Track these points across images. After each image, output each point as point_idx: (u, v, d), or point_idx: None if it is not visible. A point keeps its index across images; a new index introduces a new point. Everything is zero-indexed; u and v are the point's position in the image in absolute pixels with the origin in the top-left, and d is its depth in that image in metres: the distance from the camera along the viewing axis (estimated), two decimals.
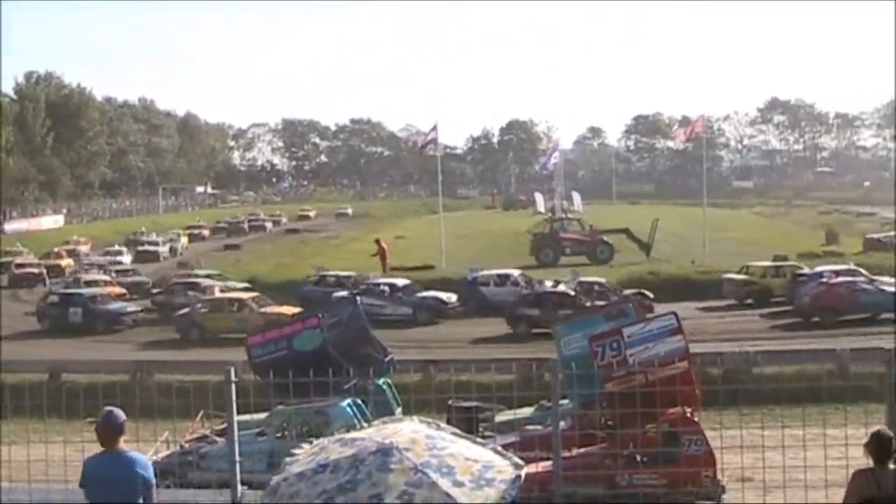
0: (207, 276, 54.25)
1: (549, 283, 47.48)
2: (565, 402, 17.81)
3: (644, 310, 30.31)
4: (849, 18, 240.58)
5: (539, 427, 18.45)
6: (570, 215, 78.40)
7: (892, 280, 44.32)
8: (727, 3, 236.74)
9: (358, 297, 31.14)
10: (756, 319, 45.44)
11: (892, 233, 71.32)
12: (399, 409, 21.31)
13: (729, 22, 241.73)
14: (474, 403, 20.70)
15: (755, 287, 49.09)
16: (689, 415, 17.24)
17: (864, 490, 9.17)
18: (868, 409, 11.99)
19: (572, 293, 44.99)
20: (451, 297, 48.06)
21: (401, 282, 49.60)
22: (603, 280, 49.14)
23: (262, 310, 44.75)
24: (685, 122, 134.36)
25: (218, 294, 48.49)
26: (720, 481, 16.99)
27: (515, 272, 51.51)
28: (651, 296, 45.54)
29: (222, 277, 54.42)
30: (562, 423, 15.61)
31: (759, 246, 67.49)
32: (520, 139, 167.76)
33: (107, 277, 57.18)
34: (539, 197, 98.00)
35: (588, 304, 42.42)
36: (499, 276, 50.68)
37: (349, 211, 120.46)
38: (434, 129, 65.16)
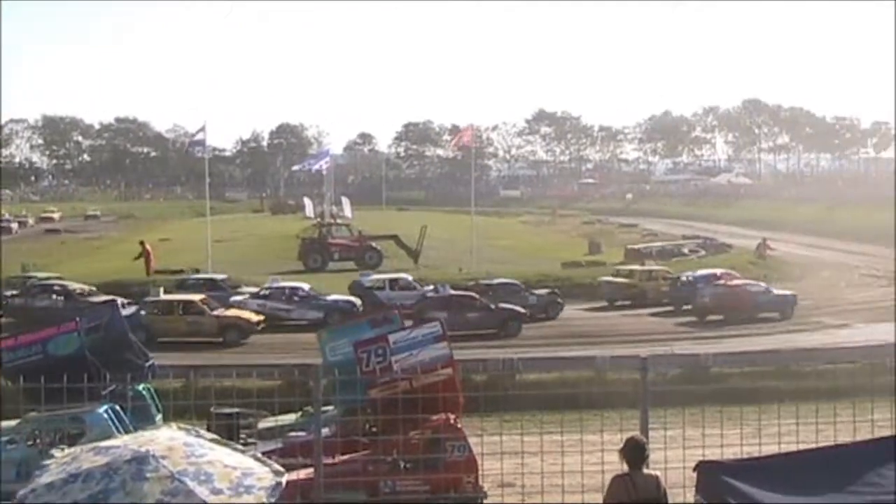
0: (48, 279, 50.72)
1: (429, 287, 48.61)
2: (329, 408, 17.69)
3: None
4: (612, 33, 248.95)
5: (302, 433, 18.26)
6: (339, 220, 78.27)
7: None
8: (495, 13, 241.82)
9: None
10: (653, 320, 48.23)
11: (651, 244, 74.13)
12: (160, 416, 20.72)
13: (499, 32, 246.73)
14: (236, 410, 20.33)
15: (635, 290, 52.20)
16: (452, 421, 17.33)
17: (620, 495, 9.35)
18: (624, 414, 12.24)
19: (476, 295, 45.65)
20: (358, 301, 47.32)
21: (304, 285, 48.80)
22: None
23: (216, 313, 43.15)
24: (455, 130, 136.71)
25: (164, 296, 45.66)
26: (482, 487, 17.14)
27: (407, 276, 51.95)
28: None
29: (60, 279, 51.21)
30: (325, 430, 15.51)
31: (526, 254, 68.98)
32: (290, 143, 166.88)
33: None
34: (308, 201, 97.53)
35: (493, 307, 44.28)
36: (391, 280, 50.92)
37: (98, 213, 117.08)
38: (202, 129, 63.92)
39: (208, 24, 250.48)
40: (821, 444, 9.55)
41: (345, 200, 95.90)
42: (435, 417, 16.97)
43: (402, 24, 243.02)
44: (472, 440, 17.02)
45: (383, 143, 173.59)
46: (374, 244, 66.59)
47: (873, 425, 11.31)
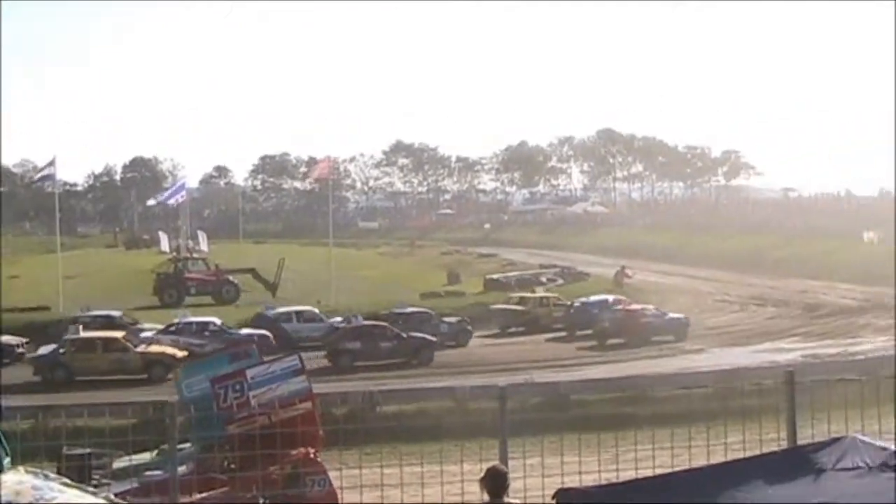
0: None
1: (337, 319, 50.29)
2: (186, 445, 17.31)
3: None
4: (467, 64, 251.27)
5: (158, 472, 17.83)
6: (194, 255, 77.31)
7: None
8: (349, 44, 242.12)
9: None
10: (556, 346, 50.68)
11: (510, 273, 74.84)
12: (8, 459, 20.00)
13: (354, 64, 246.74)
14: (87, 450, 19.75)
15: (529, 316, 54.62)
16: (311, 455, 17.13)
17: None
18: (484, 444, 12.23)
19: (387, 325, 46.93)
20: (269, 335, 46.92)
21: (215, 319, 48.91)
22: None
23: (140, 349, 42.61)
24: (312, 162, 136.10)
25: (84, 333, 44.65)
26: None
27: (312, 308, 53.07)
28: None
29: None
30: (182, 468, 15.15)
31: (385, 285, 68.91)
32: (144, 177, 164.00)
33: None
34: (163, 236, 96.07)
35: (405, 335, 45.61)
36: (297, 312, 51.40)
37: None
38: (51, 163, 62.57)
39: (54, 60, 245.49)
40: (676, 468, 9.63)
41: (201, 234, 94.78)
42: (294, 452, 16.76)
43: (255, 56, 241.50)
44: (331, 474, 16.85)
45: (240, 175, 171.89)
46: (231, 278, 65.91)
47: (727, 448, 11.48)
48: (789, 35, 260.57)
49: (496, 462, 10.25)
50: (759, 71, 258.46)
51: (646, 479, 9.06)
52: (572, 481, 10.08)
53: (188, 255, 76.94)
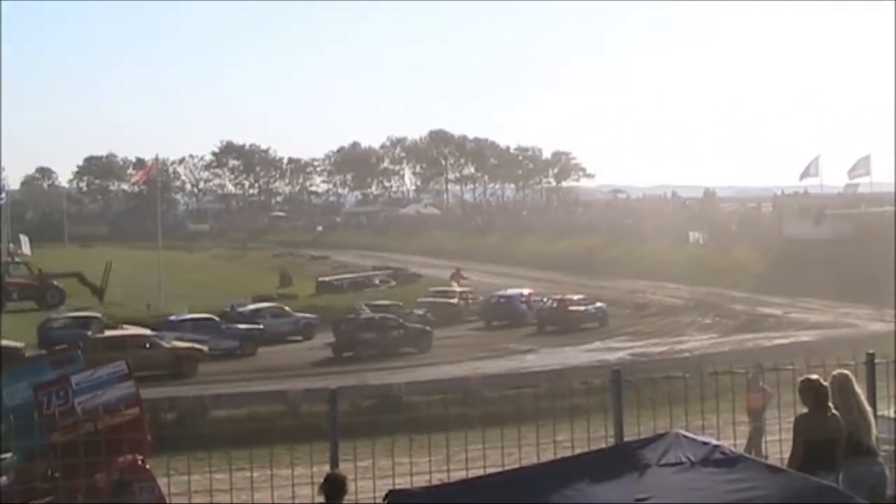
0: None
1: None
2: (7, 455, 16.77)
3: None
4: (297, 63, 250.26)
5: None
6: (17, 259, 75.02)
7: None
8: (179, 45, 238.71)
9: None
10: (502, 333, 54.90)
11: (343, 275, 74.74)
12: None
13: (184, 63, 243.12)
14: None
15: (454, 309, 59.23)
16: (139, 462, 16.74)
17: None
18: (315, 447, 12.14)
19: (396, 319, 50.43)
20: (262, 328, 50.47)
21: (204, 315, 50.55)
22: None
23: (169, 345, 43.80)
24: (140, 164, 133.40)
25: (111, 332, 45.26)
26: None
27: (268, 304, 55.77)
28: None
29: None
30: (3, 479, 14.67)
31: (217, 288, 68.01)
32: None
33: None
34: None
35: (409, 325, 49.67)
36: (266, 308, 54.50)
37: None
38: None
39: None
40: (507, 468, 9.71)
41: (23, 238, 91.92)
42: (121, 459, 16.36)
43: (80, 52, 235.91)
44: (160, 481, 16.50)
45: (64, 177, 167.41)
46: (55, 282, 64.17)
47: (556, 446, 11.63)
48: (617, 36, 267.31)
49: (334, 468, 10.25)
50: (588, 71, 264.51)
51: (476, 478, 9.12)
52: (403, 483, 10.08)
53: (10, 259, 74.57)
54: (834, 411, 10.65)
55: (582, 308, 56.39)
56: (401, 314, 53.05)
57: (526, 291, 60.76)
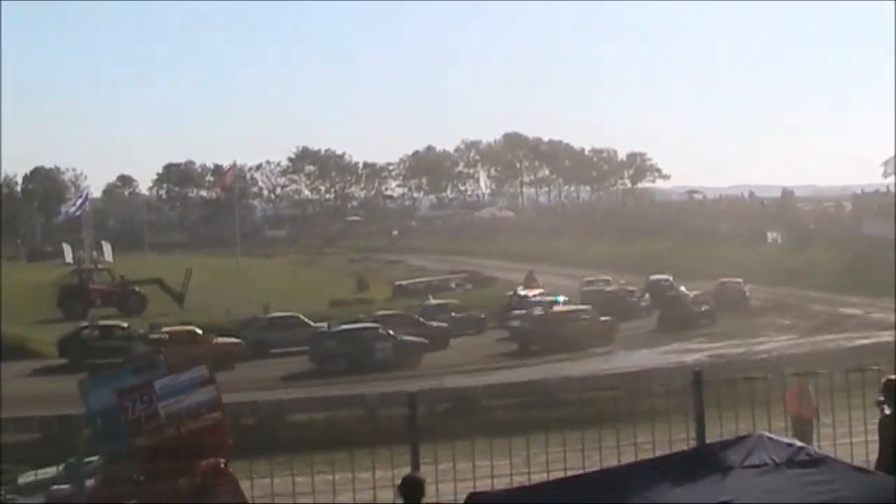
0: None
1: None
2: (93, 458, 17.05)
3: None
4: (370, 69, 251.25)
5: (66, 486, 17.54)
6: (99, 266, 76.16)
7: None
8: (252, 51, 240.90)
9: None
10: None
11: (419, 279, 74.93)
12: None
13: (258, 70, 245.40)
14: None
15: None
16: (221, 465, 16.93)
17: None
18: (395, 450, 12.18)
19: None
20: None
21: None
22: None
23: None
24: (217, 170, 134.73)
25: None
26: None
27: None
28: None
29: None
30: (90, 481, 14.92)
31: (294, 293, 68.50)
32: (45, 188, 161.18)
33: None
34: (67, 247, 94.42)
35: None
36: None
37: None
38: None
39: None
40: (588, 470, 9.69)
41: (105, 245, 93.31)
42: (203, 463, 16.55)
43: (158, 63, 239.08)
44: (242, 484, 16.68)
45: (144, 185, 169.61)
46: (136, 289, 65.06)
47: (637, 448, 11.59)
48: (694, 37, 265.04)
49: (412, 469, 10.27)
50: (665, 74, 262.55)
51: (557, 480, 9.11)
52: (484, 486, 10.11)
53: (92, 266, 75.73)
54: None
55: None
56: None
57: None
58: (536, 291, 63.17)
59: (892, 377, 10.80)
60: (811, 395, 20.97)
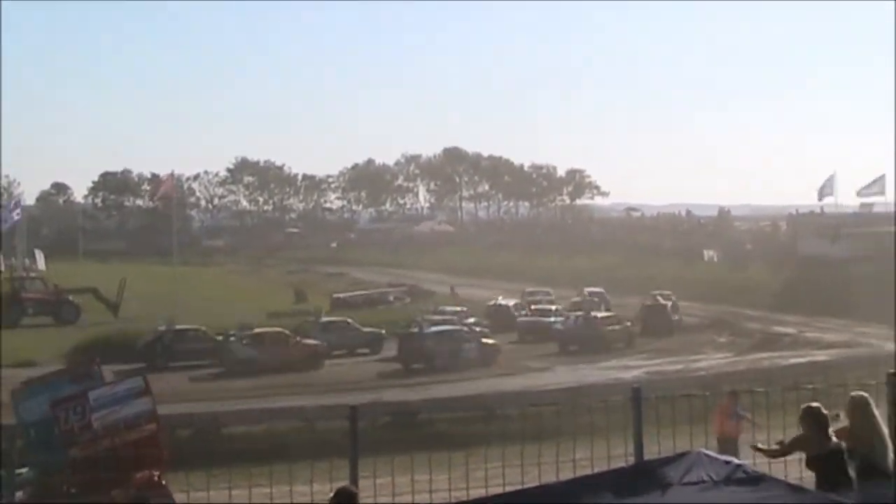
0: None
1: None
2: (24, 470, 16.79)
3: None
4: (311, 81, 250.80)
5: None
6: (32, 274, 75.18)
7: None
8: (192, 59, 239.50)
9: None
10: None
11: (357, 292, 74.84)
12: None
13: (198, 79, 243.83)
14: None
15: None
16: (156, 478, 16.75)
17: None
18: (334, 464, 12.10)
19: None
20: None
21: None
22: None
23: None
24: (155, 180, 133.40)
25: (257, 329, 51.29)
26: None
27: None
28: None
29: None
30: (20, 493, 14.70)
31: (232, 304, 68.01)
32: None
33: None
34: None
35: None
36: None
37: None
38: None
39: None
40: (526, 486, 9.69)
41: (38, 253, 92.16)
42: (138, 475, 16.37)
43: (94, 70, 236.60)
44: (178, 496, 16.51)
45: (79, 193, 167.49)
46: (71, 298, 64.31)
47: (575, 464, 11.61)
48: (634, 55, 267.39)
49: (346, 482, 10.18)
50: (605, 92, 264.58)
51: (495, 496, 9.09)
52: (423, 500, 10.07)
53: (24, 274, 74.73)
54: (834, 439, 10.75)
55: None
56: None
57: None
58: (458, 308, 62.79)
59: (808, 405, 11.01)
60: (741, 413, 21.21)
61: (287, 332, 50.89)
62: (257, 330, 51.25)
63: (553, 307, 63.43)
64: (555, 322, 57.76)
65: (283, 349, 48.83)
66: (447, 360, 47.64)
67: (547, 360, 51.12)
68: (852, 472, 10.68)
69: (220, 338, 50.67)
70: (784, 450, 11.08)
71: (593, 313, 57.91)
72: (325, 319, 56.68)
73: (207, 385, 45.44)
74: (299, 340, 50.04)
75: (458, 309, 61.68)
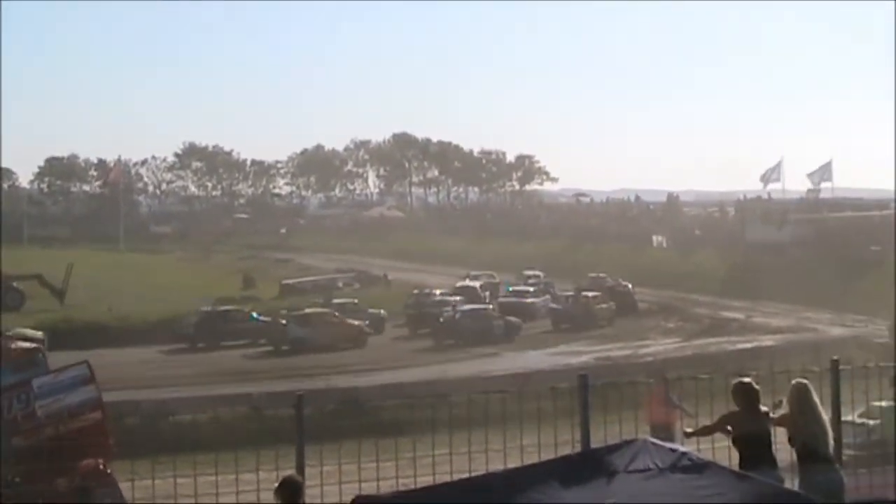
0: None
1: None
2: None
3: None
4: (260, 64, 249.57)
5: None
6: None
7: None
8: (139, 44, 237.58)
9: None
10: None
11: (306, 278, 74.61)
12: None
13: (145, 64, 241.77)
14: None
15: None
16: (101, 466, 16.61)
17: None
18: (280, 451, 12.01)
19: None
20: None
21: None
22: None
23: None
24: (102, 165, 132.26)
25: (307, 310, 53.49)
26: None
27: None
28: None
29: None
30: None
31: (180, 291, 67.54)
32: None
33: None
34: None
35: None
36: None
37: None
38: None
39: None
40: (474, 473, 9.68)
41: None
42: (83, 463, 16.22)
43: (39, 53, 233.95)
44: (123, 485, 16.37)
45: (24, 178, 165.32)
46: (15, 284, 63.55)
47: (523, 451, 11.62)
48: (583, 40, 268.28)
49: (291, 471, 10.12)
50: (553, 77, 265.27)
51: (443, 484, 9.08)
52: (370, 488, 10.04)
53: None
54: (764, 408, 10.85)
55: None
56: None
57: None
58: (439, 290, 63.97)
59: (740, 380, 11.09)
60: (674, 401, 20.98)
61: (335, 312, 53.30)
62: (307, 310, 53.58)
63: (531, 289, 66.11)
64: (533, 302, 61.56)
65: (331, 328, 51.15)
66: (478, 336, 51.19)
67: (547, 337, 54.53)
68: (793, 458, 10.80)
69: (268, 319, 53.17)
70: (713, 426, 11.15)
71: (584, 293, 61.07)
72: (335, 301, 58.52)
73: (260, 362, 48.09)
74: (344, 320, 52.23)
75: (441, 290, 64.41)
